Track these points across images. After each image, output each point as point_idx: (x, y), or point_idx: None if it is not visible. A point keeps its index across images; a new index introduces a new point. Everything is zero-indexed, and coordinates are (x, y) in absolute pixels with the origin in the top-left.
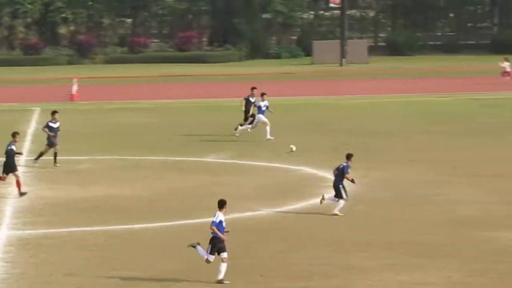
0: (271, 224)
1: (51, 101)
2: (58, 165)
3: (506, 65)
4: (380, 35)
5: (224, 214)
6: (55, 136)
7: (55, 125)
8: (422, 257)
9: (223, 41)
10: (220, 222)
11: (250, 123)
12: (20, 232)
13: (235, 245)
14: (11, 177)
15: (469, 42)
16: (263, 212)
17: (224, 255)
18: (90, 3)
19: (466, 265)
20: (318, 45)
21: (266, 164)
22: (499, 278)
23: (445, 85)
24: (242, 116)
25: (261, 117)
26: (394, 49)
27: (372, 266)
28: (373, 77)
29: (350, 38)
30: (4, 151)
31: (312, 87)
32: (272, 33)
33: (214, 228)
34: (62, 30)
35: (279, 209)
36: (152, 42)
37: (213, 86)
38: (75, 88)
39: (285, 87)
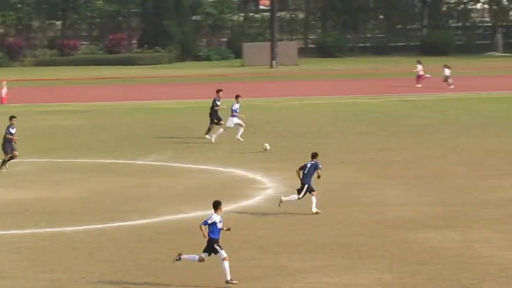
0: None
1: None
2: (3, 170)
3: (419, 68)
4: (310, 37)
5: (219, 215)
6: (15, 142)
7: (13, 130)
8: (353, 259)
9: (153, 43)
10: (214, 223)
11: (217, 124)
12: None
13: (165, 248)
14: None
15: (398, 44)
16: (193, 214)
17: (223, 255)
18: (20, 5)
19: (396, 267)
20: (248, 47)
21: (196, 166)
22: (429, 279)
23: (375, 87)
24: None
25: (234, 119)
26: (324, 51)
27: (302, 268)
28: (304, 78)
29: (280, 40)
30: None
31: (242, 89)
32: (202, 35)
33: (202, 227)
34: None
35: (209, 212)
36: (82, 44)
37: (143, 88)
38: (4, 91)
39: (215, 89)
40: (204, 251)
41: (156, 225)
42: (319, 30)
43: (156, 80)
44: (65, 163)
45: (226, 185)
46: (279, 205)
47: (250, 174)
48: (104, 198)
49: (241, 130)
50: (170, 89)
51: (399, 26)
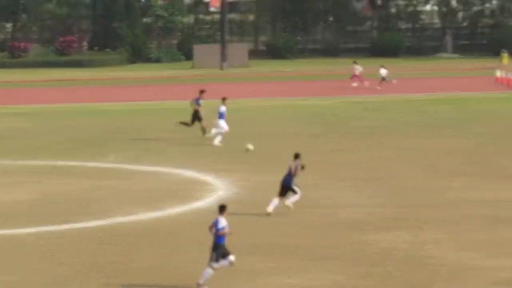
0: (154, 228)
1: None
2: None
3: (355, 68)
4: (261, 38)
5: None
6: None
7: None
8: (305, 260)
9: (104, 46)
10: (223, 227)
11: (193, 122)
12: None
13: (118, 250)
14: None
15: (348, 46)
16: (145, 216)
17: (232, 258)
18: None
19: (348, 268)
20: (198, 49)
21: (149, 168)
22: (380, 280)
23: (326, 88)
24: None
25: (221, 123)
26: (274, 52)
27: (257, 270)
28: (254, 80)
29: (231, 42)
30: None
31: (193, 91)
32: (153, 37)
33: (221, 231)
34: None
35: (161, 213)
36: (33, 46)
37: (94, 90)
38: None
39: (166, 91)
40: (216, 261)
41: (110, 227)
42: (269, 32)
43: (107, 82)
44: (15, 166)
45: (178, 187)
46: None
47: (202, 176)
48: (58, 200)
49: (219, 134)
50: (121, 91)
51: (349, 28)
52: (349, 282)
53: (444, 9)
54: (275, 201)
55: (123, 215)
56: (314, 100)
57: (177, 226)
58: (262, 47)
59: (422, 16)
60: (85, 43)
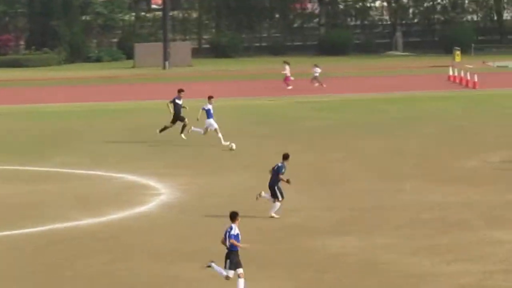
0: (94, 234)
1: None
2: None
3: (286, 69)
4: (204, 36)
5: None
6: None
7: None
8: (250, 267)
9: (41, 45)
10: (237, 234)
11: (173, 122)
12: None
13: (56, 258)
14: None
15: (295, 43)
16: (85, 222)
17: (240, 270)
18: None
19: (296, 275)
20: (140, 48)
21: (88, 172)
22: (330, 287)
23: (272, 88)
24: (170, 118)
25: (211, 122)
26: (218, 51)
27: (199, 277)
28: (198, 80)
29: (173, 40)
30: None
31: (134, 91)
32: (93, 35)
33: (234, 241)
34: None
35: (102, 219)
36: None
37: (32, 91)
38: None
39: (106, 91)
40: (230, 269)
41: (49, 233)
42: (213, 30)
43: (45, 82)
44: None
45: (120, 191)
46: (256, 198)
47: (143, 180)
48: None
49: (201, 132)
50: (60, 91)
51: (295, 25)
52: None
53: (394, 5)
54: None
55: (62, 220)
56: (260, 100)
57: (118, 232)
58: (206, 46)
59: (372, 13)
60: (21, 42)
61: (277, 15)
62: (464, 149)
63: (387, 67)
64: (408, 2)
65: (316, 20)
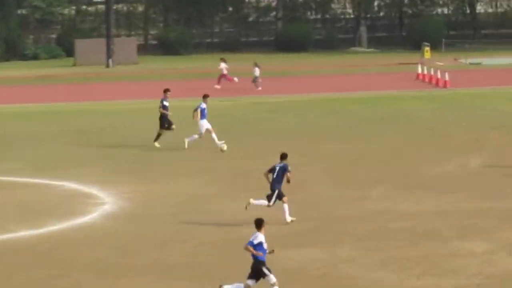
0: (33, 247)
1: None
2: None
3: (223, 66)
4: (151, 32)
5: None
6: None
7: None
8: (203, 281)
9: None
10: (260, 243)
11: (168, 129)
12: None
13: None
14: None
15: (251, 39)
16: (24, 233)
17: (273, 279)
18: None
19: None
20: (81, 44)
21: (26, 179)
22: None
23: (223, 88)
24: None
25: (204, 123)
26: (166, 47)
27: None
28: (144, 79)
29: (117, 36)
30: None
31: (74, 92)
32: (29, 31)
33: (249, 247)
34: None
35: (41, 230)
36: None
37: None
38: None
39: (44, 91)
40: (249, 278)
41: None
42: (161, 25)
43: None
44: None
45: (59, 200)
46: (246, 208)
47: (85, 188)
48: None
49: (214, 136)
50: None
51: (250, 19)
52: None
53: None
54: (285, 207)
55: None
56: (211, 100)
57: (59, 244)
58: (152, 42)
59: (334, 6)
60: None
61: (230, 9)
62: (434, 153)
63: (350, 64)
64: None
65: (273, 13)
